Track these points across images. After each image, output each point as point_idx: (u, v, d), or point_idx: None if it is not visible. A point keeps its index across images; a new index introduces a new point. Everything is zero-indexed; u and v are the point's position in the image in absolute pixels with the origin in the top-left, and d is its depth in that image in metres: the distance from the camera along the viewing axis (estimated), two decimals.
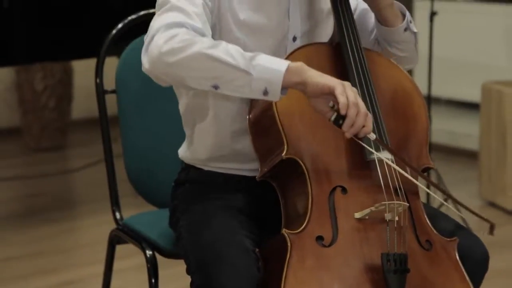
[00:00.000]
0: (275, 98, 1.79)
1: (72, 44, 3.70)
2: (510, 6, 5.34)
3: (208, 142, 2.03)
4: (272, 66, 1.77)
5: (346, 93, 1.76)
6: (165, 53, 1.78)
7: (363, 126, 1.78)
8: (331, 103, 1.77)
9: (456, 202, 1.97)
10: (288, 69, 1.77)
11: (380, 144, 1.85)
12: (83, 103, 5.35)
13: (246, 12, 1.96)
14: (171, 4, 1.85)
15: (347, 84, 1.78)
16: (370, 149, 1.84)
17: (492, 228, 1.94)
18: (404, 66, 2.12)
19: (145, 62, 1.82)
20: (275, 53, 1.94)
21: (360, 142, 1.82)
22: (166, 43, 1.78)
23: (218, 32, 1.95)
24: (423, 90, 4.45)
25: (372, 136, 1.81)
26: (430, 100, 4.10)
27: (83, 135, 5.32)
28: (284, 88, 1.78)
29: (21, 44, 3.62)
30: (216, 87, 1.79)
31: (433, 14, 3.96)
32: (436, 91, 5.14)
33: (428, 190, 1.98)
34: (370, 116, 1.80)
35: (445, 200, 3.97)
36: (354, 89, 1.80)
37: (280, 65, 1.77)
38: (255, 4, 1.97)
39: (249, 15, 1.96)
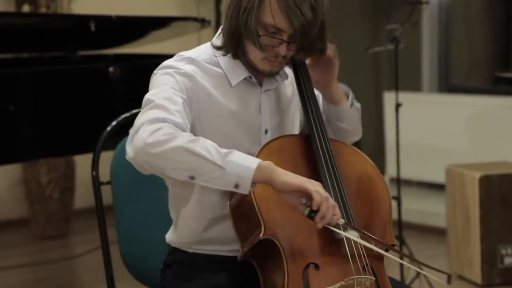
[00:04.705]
0: (245, 191, 1.82)
1: (73, 141, 3.73)
2: (468, 97, 5.45)
3: (191, 227, 2.04)
4: (244, 164, 1.81)
5: (318, 190, 1.81)
6: (149, 145, 1.81)
7: (334, 215, 1.82)
8: (303, 200, 1.81)
9: (412, 259, 2.04)
10: (258, 167, 1.80)
11: (348, 226, 1.88)
12: (84, 194, 5.32)
13: (226, 108, 1.99)
14: (154, 103, 1.89)
15: (315, 182, 1.83)
16: (339, 231, 1.86)
17: (449, 278, 1.96)
18: (350, 139, 2.17)
19: (130, 151, 1.84)
20: (251, 144, 1.99)
21: (331, 227, 1.85)
22: (151, 136, 1.81)
23: (199, 124, 1.97)
24: (394, 173, 4.49)
25: (341, 221, 1.84)
26: (399, 182, 4.13)
27: (85, 223, 5.28)
28: (253, 183, 1.82)
29: (27, 142, 3.65)
30: (192, 177, 1.82)
31: (398, 105, 4.02)
32: (407, 174, 5.19)
33: (401, 261, 2.00)
34: (337, 205, 1.84)
35: (418, 273, 3.99)
36: (320, 184, 1.84)
37: (251, 163, 1.81)
38: (234, 101, 2.00)
39: (229, 113, 1.99)
